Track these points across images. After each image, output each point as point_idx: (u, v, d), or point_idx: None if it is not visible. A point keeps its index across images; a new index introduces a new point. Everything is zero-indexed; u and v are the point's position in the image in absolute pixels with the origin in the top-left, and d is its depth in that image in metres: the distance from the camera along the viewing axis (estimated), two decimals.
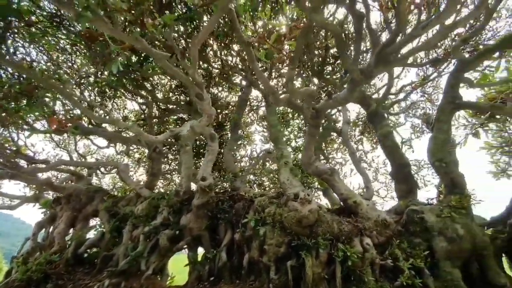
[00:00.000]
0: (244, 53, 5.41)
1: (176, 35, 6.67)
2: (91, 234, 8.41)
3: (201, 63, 9.52)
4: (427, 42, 3.27)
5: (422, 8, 2.93)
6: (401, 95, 9.47)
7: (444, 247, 5.11)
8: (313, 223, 5.43)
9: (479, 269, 5.24)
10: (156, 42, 6.22)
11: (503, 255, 6.23)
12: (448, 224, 5.26)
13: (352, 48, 7.80)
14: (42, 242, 8.60)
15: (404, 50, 4.10)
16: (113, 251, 7.17)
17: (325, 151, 10.67)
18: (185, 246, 6.86)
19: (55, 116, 5.29)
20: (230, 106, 11.86)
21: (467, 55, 6.22)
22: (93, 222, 9.13)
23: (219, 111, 12.41)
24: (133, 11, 2.71)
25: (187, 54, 3.50)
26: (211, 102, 11.70)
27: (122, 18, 3.11)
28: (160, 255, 6.55)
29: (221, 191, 7.58)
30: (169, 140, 10.33)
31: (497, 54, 6.62)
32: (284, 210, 5.59)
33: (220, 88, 12.09)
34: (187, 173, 7.00)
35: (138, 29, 2.98)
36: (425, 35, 5.93)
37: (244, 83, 9.21)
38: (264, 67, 7.95)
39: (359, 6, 3.28)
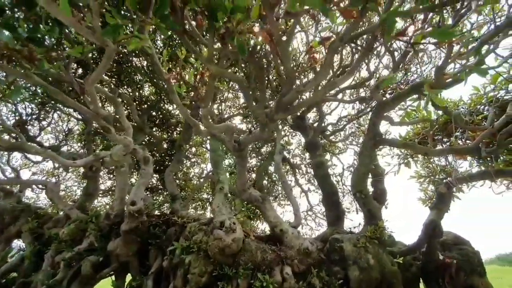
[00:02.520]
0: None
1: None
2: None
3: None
4: (313, 97, 3.64)
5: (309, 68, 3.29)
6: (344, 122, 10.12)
7: (356, 276, 5.42)
8: (237, 252, 5.50)
9: None
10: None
11: (421, 280, 6.75)
12: (362, 254, 5.60)
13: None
14: None
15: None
16: (32, 278, 6.65)
17: (273, 175, 10.94)
18: (112, 273, 6.56)
19: None
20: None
21: (388, 96, 6.88)
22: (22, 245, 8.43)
23: (173, 127, 12.32)
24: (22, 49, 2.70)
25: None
26: (163, 120, 11.57)
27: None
28: (82, 283, 6.18)
29: (157, 214, 7.42)
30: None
31: (416, 96, 7.41)
32: (210, 238, 5.61)
33: (175, 106, 12.05)
34: (121, 195, 6.80)
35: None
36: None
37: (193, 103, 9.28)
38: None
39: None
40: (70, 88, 7.50)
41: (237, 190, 6.68)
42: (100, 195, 11.66)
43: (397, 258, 6.12)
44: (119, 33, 2.38)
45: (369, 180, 8.87)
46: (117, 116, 5.07)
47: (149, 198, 8.52)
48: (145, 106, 10.30)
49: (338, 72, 6.54)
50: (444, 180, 6.86)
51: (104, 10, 2.38)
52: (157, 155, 12.50)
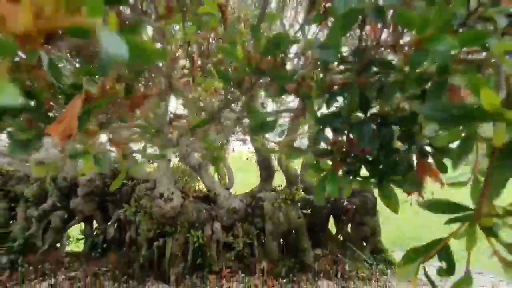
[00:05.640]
0: None
1: None
2: None
3: None
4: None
5: None
6: None
7: (270, 228, 7.11)
8: (175, 215, 6.84)
9: (295, 239, 7.50)
10: None
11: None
12: (276, 213, 7.16)
13: None
14: None
15: None
16: (10, 229, 7.95)
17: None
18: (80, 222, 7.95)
19: None
20: None
21: None
22: None
23: None
24: None
25: None
26: None
27: None
28: (54, 232, 7.59)
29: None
30: None
31: None
32: (152, 205, 6.81)
33: None
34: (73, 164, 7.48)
35: None
36: None
37: None
38: None
39: None
40: None
41: (180, 156, 7.52)
42: None
43: (307, 209, 7.79)
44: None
45: None
46: None
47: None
48: None
49: None
50: None
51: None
52: None
